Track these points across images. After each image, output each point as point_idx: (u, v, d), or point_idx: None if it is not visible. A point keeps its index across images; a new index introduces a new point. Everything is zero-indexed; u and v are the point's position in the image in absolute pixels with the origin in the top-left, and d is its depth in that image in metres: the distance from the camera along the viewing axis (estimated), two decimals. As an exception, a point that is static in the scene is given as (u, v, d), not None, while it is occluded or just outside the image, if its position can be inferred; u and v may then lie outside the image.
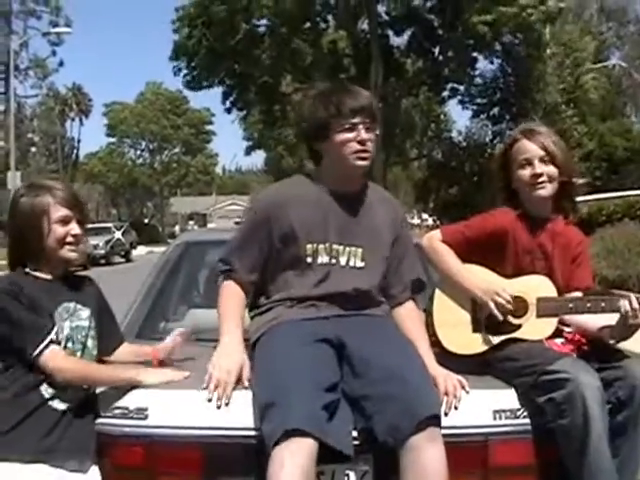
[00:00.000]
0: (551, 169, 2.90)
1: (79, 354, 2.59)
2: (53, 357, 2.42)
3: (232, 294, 2.81)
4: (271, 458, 2.22)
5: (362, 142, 2.72)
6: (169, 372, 2.67)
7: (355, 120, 2.71)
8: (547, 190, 2.91)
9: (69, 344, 2.55)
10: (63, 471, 2.42)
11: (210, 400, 2.44)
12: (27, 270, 2.57)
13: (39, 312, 2.47)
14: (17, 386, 2.43)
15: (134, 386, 2.57)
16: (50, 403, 2.45)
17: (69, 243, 2.59)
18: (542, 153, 2.90)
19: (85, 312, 2.64)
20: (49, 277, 2.60)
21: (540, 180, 2.89)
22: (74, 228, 2.60)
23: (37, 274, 2.58)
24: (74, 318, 2.59)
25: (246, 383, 2.52)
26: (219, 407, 2.43)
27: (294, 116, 34.56)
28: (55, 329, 2.49)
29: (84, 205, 2.68)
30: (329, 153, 2.79)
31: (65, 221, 2.58)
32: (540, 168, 2.90)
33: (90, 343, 2.64)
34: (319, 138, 2.79)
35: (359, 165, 2.75)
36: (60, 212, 2.57)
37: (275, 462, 2.20)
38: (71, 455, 2.43)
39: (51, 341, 2.44)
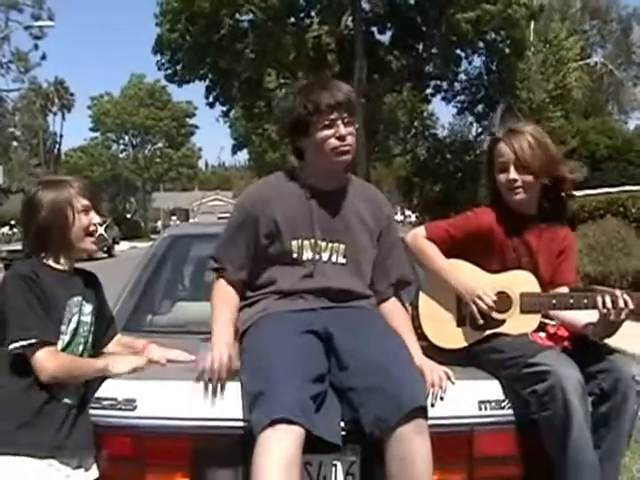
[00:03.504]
0: (526, 177, 2.89)
1: (81, 348, 2.62)
2: (41, 357, 2.41)
3: (225, 299, 2.84)
4: (257, 444, 2.24)
5: (341, 138, 2.73)
6: (135, 359, 2.71)
7: (332, 116, 2.71)
8: (522, 195, 2.91)
9: (73, 338, 2.58)
10: (69, 467, 2.44)
11: (204, 396, 2.47)
12: (44, 260, 2.59)
13: (51, 305, 2.50)
14: (25, 381, 2.43)
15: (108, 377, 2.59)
16: (58, 398, 2.46)
17: (91, 234, 2.66)
18: (515, 159, 2.89)
19: (88, 308, 2.67)
20: (64, 269, 2.64)
21: (515, 186, 2.90)
22: (94, 217, 2.67)
23: (53, 265, 2.60)
24: (80, 313, 2.62)
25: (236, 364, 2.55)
26: (214, 397, 2.47)
27: (277, 112, 34.55)
28: (57, 328, 2.51)
29: (100, 195, 2.71)
30: (310, 150, 2.81)
31: (87, 210, 2.64)
32: (514, 174, 2.89)
33: (91, 338, 2.68)
34: (300, 135, 2.81)
35: (340, 160, 2.77)
36: (82, 202, 2.63)
37: (261, 448, 2.23)
38: (78, 451, 2.46)
39: (44, 343, 2.43)
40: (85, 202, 2.63)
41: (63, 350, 2.53)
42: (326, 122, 2.72)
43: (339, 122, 2.73)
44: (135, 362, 2.70)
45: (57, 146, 68.14)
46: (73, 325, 2.58)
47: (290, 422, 2.22)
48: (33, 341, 2.40)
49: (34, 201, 2.61)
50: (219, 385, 2.49)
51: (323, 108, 2.70)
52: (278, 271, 2.81)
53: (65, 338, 2.54)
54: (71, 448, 2.44)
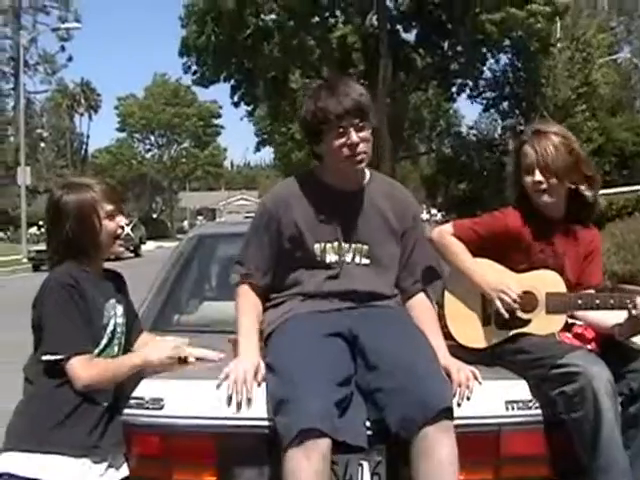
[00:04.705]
0: (551, 180, 2.87)
1: (116, 349, 2.63)
2: (76, 366, 2.42)
3: (249, 305, 2.82)
4: (286, 460, 2.25)
5: (352, 146, 2.69)
6: (167, 345, 2.69)
7: (343, 124, 2.67)
8: (548, 198, 2.89)
9: (111, 341, 2.59)
10: (102, 466, 2.46)
11: (230, 397, 2.47)
12: (81, 266, 2.58)
13: (92, 311, 2.51)
14: (60, 382, 2.44)
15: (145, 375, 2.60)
16: (93, 398, 2.47)
17: (119, 236, 2.66)
18: (539, 161, 2.87)
19: (120, 309, 2.68)
20: (96, 272, 2.64)
21: (540, 188, 2.88)
22: (121, 220, 2.66)
23: (88, 269, 2.60)
24: (115, 315, 2.63)
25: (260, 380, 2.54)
26: (239, 403, 2.46)
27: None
28: (98, 334, 2.54)
29: (123, 196, 2.72)
30: (326, 156, 2.79)
31: (112, 215, 2.63)
32: (539, 176, 2.87)
33: (124, 339, 2.69)
34: (315, 142, 2.79)
35: (354, 169, 2.76)
36: (107, 207, 2.61)
37: (290, 465, 2.24)
38: (111, 450, 2.48)
39: (81, 352, 2.45)
40: (110, 207, 2.61)
41: (100, 353, 2.54)
42: (337, 131, 2.68)
43: (350, 129, 2.68)
44: (170, 346, 2.67)
45: (84, 147, 68.78)
46: (110, 328, 2.60)
47: (316, 432, 2.23)
48: (64, 356, 2.41)
49: (59, 208, 2.59)
50: (250, 389, 2.48)
51: (332, 118, 2.66)
52: (303, 273, 2.80)
53: (103, 342, 2.56)
54: (104, 447, 2.45)
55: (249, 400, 2.47)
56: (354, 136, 2.68)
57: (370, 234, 2.82)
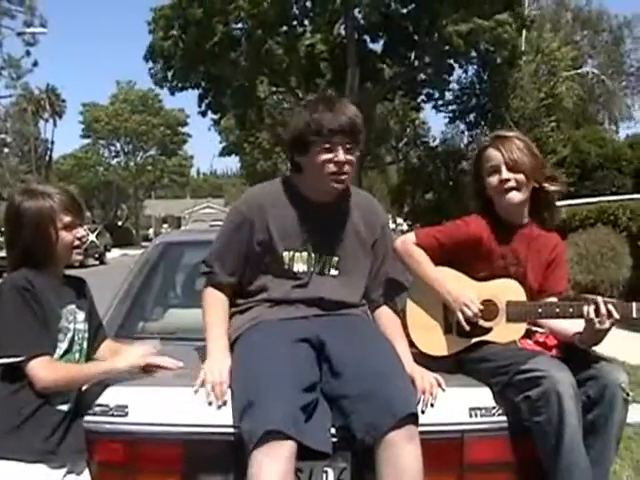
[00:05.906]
0: (518, 175, 2.91)
1: (77, 355, 2.61)
2: (37, 367, 2.41)
3: (216, 301, 2.85)
4: (250, 461, 2.25)
5: (339, 164, 2.71)
6: (137, 354, 2.69)
7: (334, 140, 2.68)
8: (516, 196, 2.93)
9: (71, 346, 2.57)
10: (61, 472, 2.43)
11: (210, 403, 2.48)
12: (36, 270, 2.55)
13: (48, 314, 2.48)
14: (16, 387, 2.42)
15: (110, 383, 2.58)
16: (52, 404, 2.45)
17: (77, 247, 2.63)
18: (506, 159, 2.92)
19: (81, 315, 2.66)
20: (54, 277, 2.62)
21: (508, 186, 2.92)
22: (79, 231, 2.63)
23: (45, 275, 2.57)
24: (75, 321, 2.61)
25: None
26: (219, 407, 2.47)
27: (269, 120, 34.60)
28: (55, 337, 2.51)
29: (83, 206, 2.70)
30: (308, 168, 2.79)
31: (70, 227, 2.60)
32: (506, 174, 2.91)
33: (85, 345, 2.67)
34: (300, 152, 2.78)
35: (334, 187, 2.77)
36: (65, 219, 2.58)
37: (254, 467, 2.24)
38: (70, 456, 2.46)
39: (41, 353, 2.43)
40: (67, 219, 2.58)
41: (61, 358, 2.52)
42: (326, 145, 2.69)
43: (339, 147, 2.69)
44: (138, 353, 2.68)
45: (48, 153, 67.93)
46: (70, 334, 2.57)
47: (281, 435, 2.23)
48: (21, 359, 2.39)
49: (18, 214, 2.57)
50: (218, 395, 2.49)
51: (325, 131, 2.67)
52: (270, 280, 2.81)
53: (63, 346, 2.53)
54: (63, 453, 2.43)
55: (224, 403, 2.48)
56: (342, 155, 2.70)
57: (341, 246, 2.84)
